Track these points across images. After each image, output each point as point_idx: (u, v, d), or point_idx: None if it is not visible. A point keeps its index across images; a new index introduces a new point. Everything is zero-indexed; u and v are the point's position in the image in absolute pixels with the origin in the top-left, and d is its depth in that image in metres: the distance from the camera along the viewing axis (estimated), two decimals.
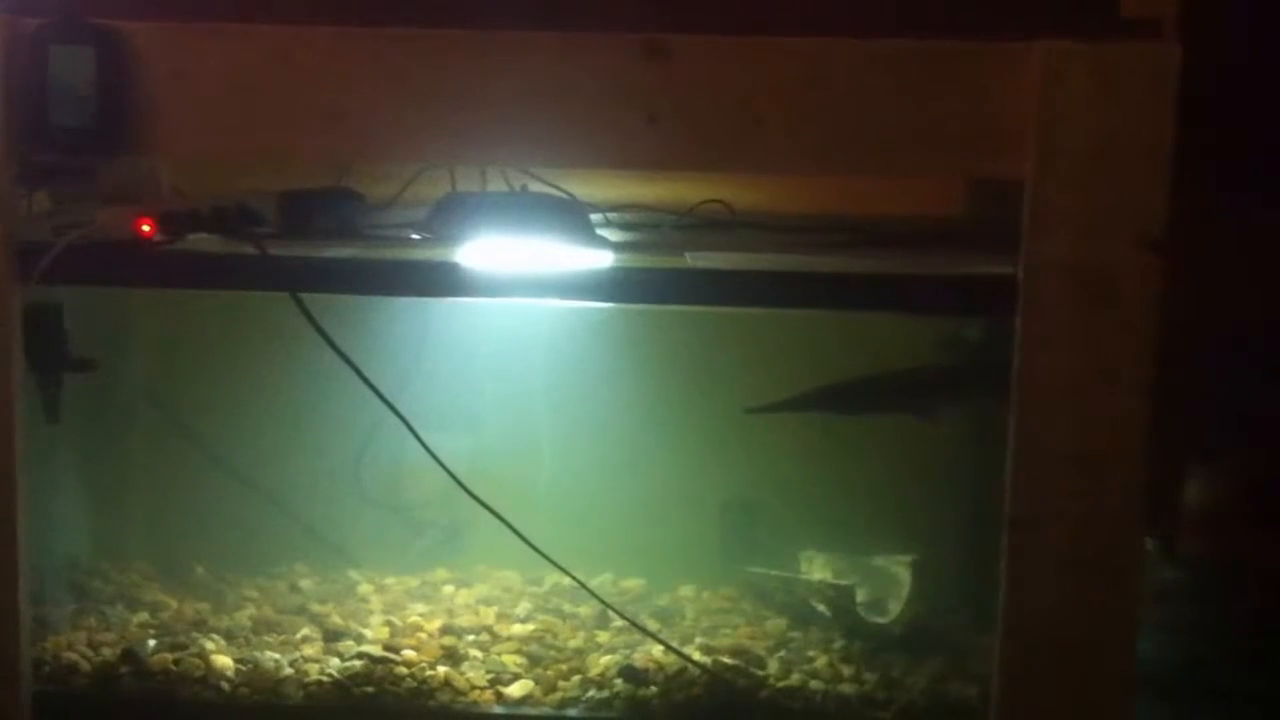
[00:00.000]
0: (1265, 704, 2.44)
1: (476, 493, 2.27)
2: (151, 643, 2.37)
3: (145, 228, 2.13)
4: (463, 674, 2.32)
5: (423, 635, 2.43)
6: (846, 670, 2.35)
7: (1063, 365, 2.04)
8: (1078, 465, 2.06)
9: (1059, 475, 2.06)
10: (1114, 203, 2.01)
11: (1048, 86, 2.00)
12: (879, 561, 2.56)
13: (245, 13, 2.07)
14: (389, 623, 2.48)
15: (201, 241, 2.19)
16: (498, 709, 2.29)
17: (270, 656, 2.34)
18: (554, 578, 2.64)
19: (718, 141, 2.08)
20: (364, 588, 2.69)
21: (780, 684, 2.30)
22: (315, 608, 2.57)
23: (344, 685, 2.28)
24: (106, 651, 2.35)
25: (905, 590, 2.45)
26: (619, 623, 2.48)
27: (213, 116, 2.08)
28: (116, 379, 2.66)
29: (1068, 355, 2.04)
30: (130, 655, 2.32)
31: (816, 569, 2.62)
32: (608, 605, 2.44)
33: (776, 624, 2.54)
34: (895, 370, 2.45)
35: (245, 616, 2.52)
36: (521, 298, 2.23)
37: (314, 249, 2.21)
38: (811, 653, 2.41)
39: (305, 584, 2.70)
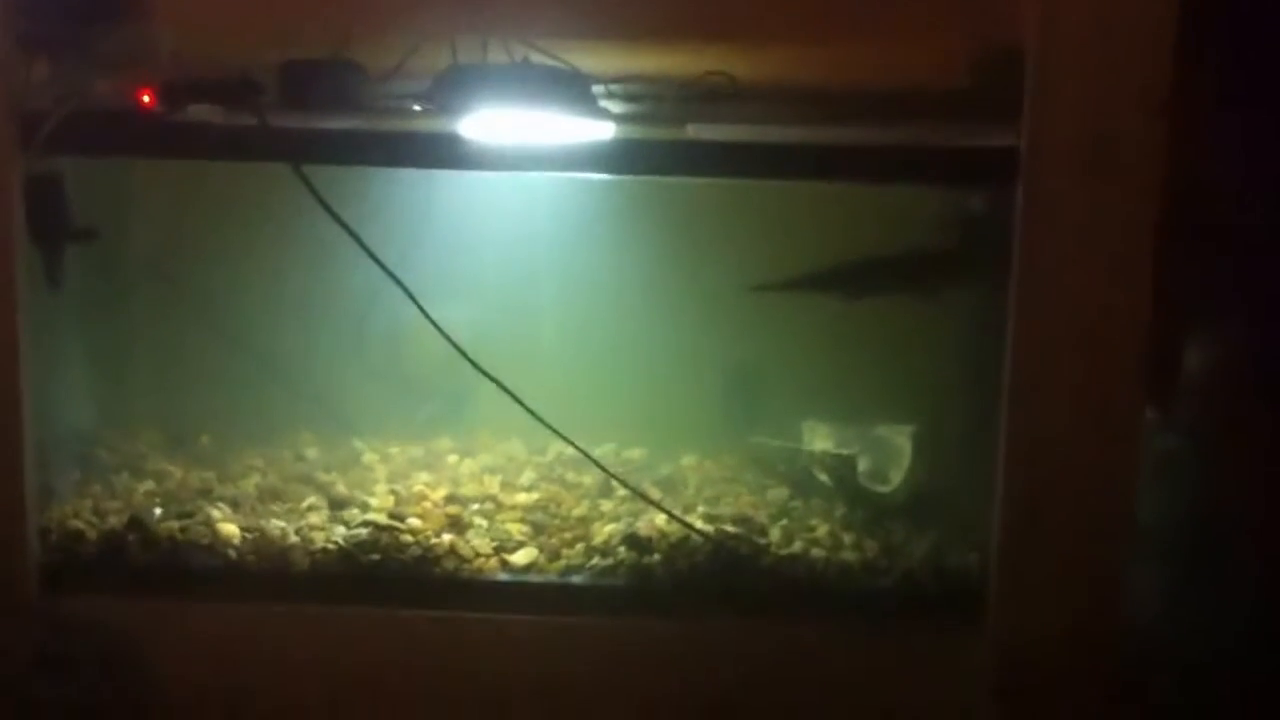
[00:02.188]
0: (1264, 570, 2.45)
1: (480, 362, 2.28)
2: (158, 511, 2.39)
3: (145, 98, 2.12)
4: (468, 542, 2.34)
5: (427, 504, 2.44)
6: (848, 538, 2.37)
7: (1064, 234, 2.05)
8: (1078, 334, 2.07)
9: (1059, 344, 2.08)
10: (1117, 69, 2.01)
11: None
12: (880, 431, 2.56)
13: None
14: (394, 491, 2.49)
15: (202, 111, 2.18)
16: (502, 576, 2.32)
17: (276, 525, 2.36)
18: (557, 447, 2.66)
19: (718, 8, 2.07)
20: (368, 456, 2.70)
21: (782, 552, 2.31)
22: (320, 476, 2.58)
23: (350, 553, 2.30)
24: (113, 520, 2.35)
25: (906, 459, 2.46)
26: (622, 492, 2.49)
27: None
28: (120, 248, 2.67)
29: (1069, 224, 2.05)
30: (136, 523, 2.33)
31: (818, 439, 2.62)
32: (611, 474, 2.46)
33: (778, 493, 2.56)
34: (898, 252, 2.45)
35: (251, 485, 2.53)
36: (523, 170, 2.23)
37: (315, 120, 2.21)
38: (813, 521, 2.43)
39: (310, 453, 2.71)
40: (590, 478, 2.59)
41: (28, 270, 2.18)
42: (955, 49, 2.34)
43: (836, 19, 2.08)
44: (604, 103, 2.38)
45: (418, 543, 2.32)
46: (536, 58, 2.36)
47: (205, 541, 2.33)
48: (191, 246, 2.73)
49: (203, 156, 2.22)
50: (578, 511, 2.48)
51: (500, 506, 2.48)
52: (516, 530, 2.40)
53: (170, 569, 2.31)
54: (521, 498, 2.51)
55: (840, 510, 2.46)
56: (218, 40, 2.27)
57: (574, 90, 2.27)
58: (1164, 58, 2.00)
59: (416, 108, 2.32)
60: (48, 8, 2.06)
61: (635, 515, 2.41)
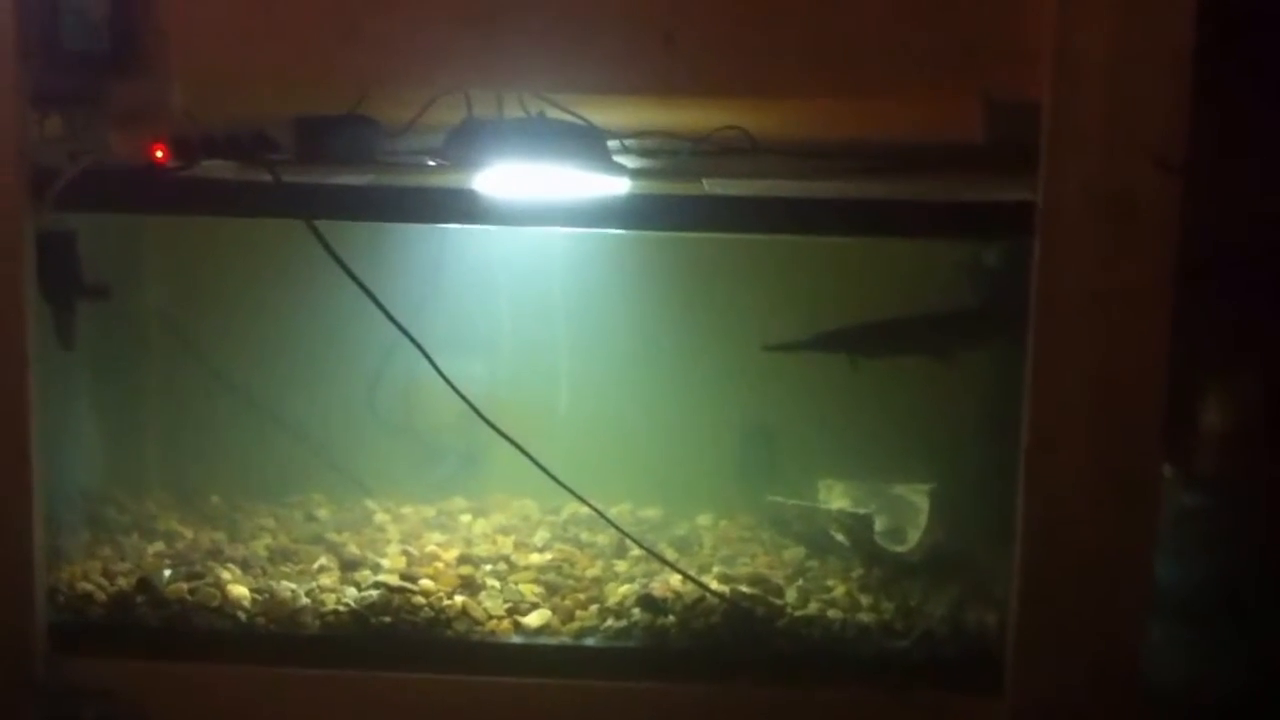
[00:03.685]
0: None
1: (494, 421, 2.26)
2: (167, 572, 2.37)
3: (159, 153, 2.12)
4: (480, 603, 2.32)
5: (440, 564, 2.42)
6: (865, 599, 2.35)
7: (1081, 287, 2.04)
8: (1096, 388, 2.06)
9: (1077, 399, 2.07)
10: (1133, 122, 2.01)
11: (1065, 6, 1.99)
12: (897, 490, 2.56)
13: None
14: (406, 552, 2.47)
15: (216, 167, 2.18)
16: (515, 638, 2.29)
17: (287, 586, 2.34)
18: (572, 506, 2.64)
19: (734, 64, 2.08)
20: (380, 517, 2.69)
21: (798, 613, 2.29)
22: (332, 537, 2.57)
23: (361, 615, 2.28)
24: (122, 581, 2.34)
25: (923, 518, 2.45)
26: (637, 552, 2.47)
27: (227, 40, 2.09)
28: (131, 306, 2.66)
29: (1086, 277, 2.04)
30: (145, 584, 2.32)
31: (835, 497, 2.62)
32: (626, 534, 2.43)
33: (795, 553, 2.53)
34: (913, 313, 2.45)
35: (261, 546, 2.52)
36: (538, 225, 2.22)
37: (329, 175, 2.21)
38: (830, 581, 2.41)
39: (321, 513, 2.69)
40: (605, 537, 2.56)
41: (39, 328, 2.17)
42: (971, 103, 2.35)
43: (852, 73, 2.08)
44: (619, 157, 2.38)
45: (430, 604, 2.30)
46: (551, 112, 2.36)
47: (215, 603, 2.31)
48: (203, 303, 2.73)
49: (216, 212, 2.22)
50: (592, 572, 2.45)
51: (513, 567, 2.46)
52: (530, 591, 2.38)
53: (179, 631, 2.30)
54: (535, 558, 2.49)
55: (857, 570, 2.43)
56: (232, 95, 2.28)
57: (589, 145, 2.28)
58: (1179, 112, 2.00)
59: (431, 162, 2.32)
60: (61, 64, 2.05)
61: (650, 576, 2.39)
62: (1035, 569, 2.11)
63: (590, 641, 2.29)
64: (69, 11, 2.03)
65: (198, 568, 2.39)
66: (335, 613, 2.29)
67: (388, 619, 2.28)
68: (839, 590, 2.37)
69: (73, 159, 2.11)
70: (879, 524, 2.47)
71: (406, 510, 2.72)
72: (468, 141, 2.27)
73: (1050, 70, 2.01)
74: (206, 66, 2.10)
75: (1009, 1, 2.03)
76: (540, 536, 2.59)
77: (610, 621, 2.31)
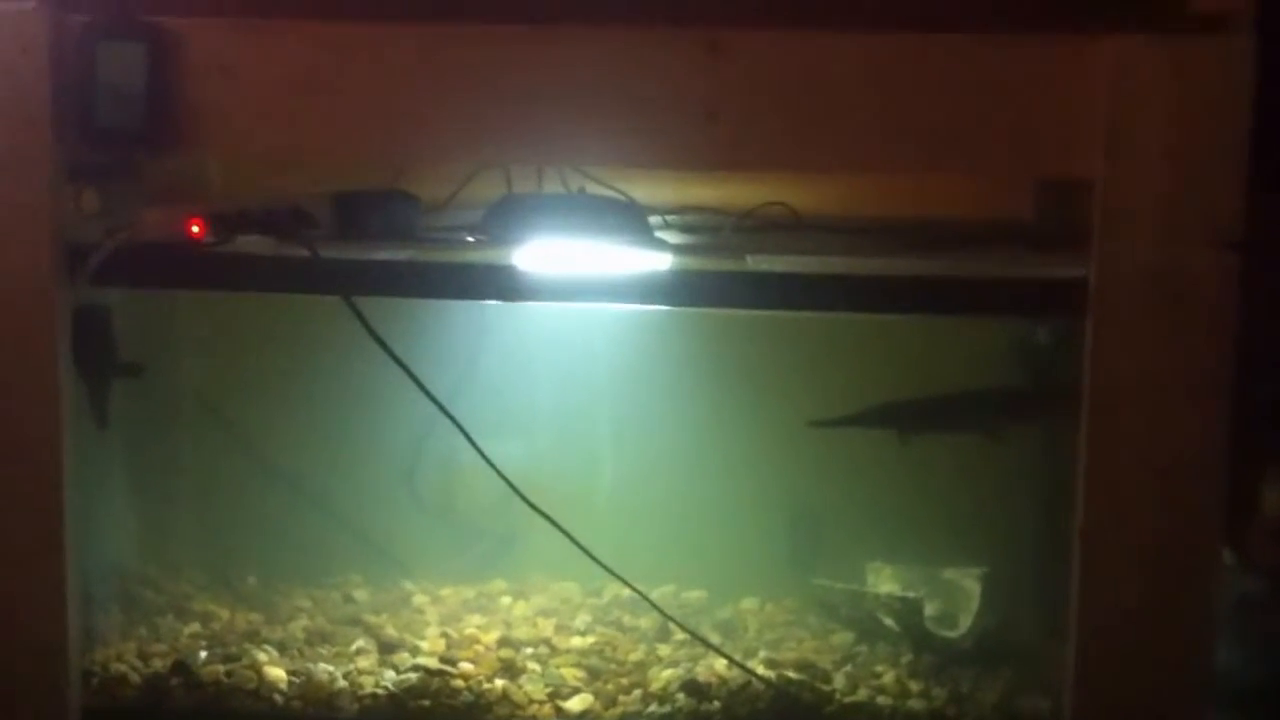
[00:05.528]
0: None
1: (534, 501, 2.25)
2: (203, 654, 2.36)
3: (195, 229, 2.12)
4: (521, 687, 2.30)
5: (479, 647, 2.40)
6: (915, 685, 2.31)
7: (1136, 370, 2.01)
8: (1152, 473, 2.03)
9: (1132, 484, 2.03)
10: (1188, 202, 1.98)
11: (1117, 83, 1.98)
12: (948, 574, 2.52)
13: (297, 9, 2.06)
14: (445, 634, 2.45)
15: (252, 243, 2.18)
16: None
17: (324, 668, 2.32)
18: (614, 589, 2.62)
19: (780, 140, 2.06)
20: (419, 599, 2.67)
21: (847, 699, 2.26)
22: (369, 619, 2.55)
23: (399, 698, 2.26)
24: (157, 663, 2.33)
25: (975, 603, 2.42)
26: (681, 636, 2.44)
27: (263, 115, 2.08)
28: (167, 384, 2.66)
29: (1141, 359, 2.01)
30: (181, 667, 2.31)
31: (884, 581, 2.58)
32: (669, 618, 2.41)
33: (843, 637, 2.50)
34: (963, 390, 2.42)
35: (298, 627, 2.50)
36: (579, 301, 2.21)
37: (367, 251, 2.21)
38: (879, 667, 2.37)
39: (359, 595, 2.68)
40: (647, 621, 2.53)
41: (73, 405, 2.16)
42: (1021, 179, 2.33)
43: (899, 149, 2.05)
44: (661, 233, 2.36)
45: (469, 688, 2.28)
46: (592, 188, 2.35)
47: (251, 686, 2.29)
48: (239, 381, 2.73)
49: (253, 289, 2.21)
50: (634, 656, 2.43)
51: (555, 651, 2.44)
52: (571, 675, 2.35)
53: (215, 714, 2.28)
54: (576, 641, 2.47)
55: (907, 656, 2.40)
56: (270, 170, 2.27)
57: (630, 220, 2.27)
58: (1236, 189, 1.97)
59: (470, 238, 2.31)
60: (96, 140, 2.05)
61: (694, 660, 2.37)
62: (1090, 658, 2.07)
63: None
64: (104, 88, 2.02)
65: (234, 649, 2.38)
66: (373, 696, 2.27)
67: (426, 702, 2.26)
68: (888, 676, 2.33)
69: (108, 235, 2.11)
70: (929, 609, 2.43)
71: (445, 592, 2.70)
72: (507, 217, 2.26)
73: (1103, 149, 1.98)
74: (243, 145, 2.10)
75: (1060, 78, 2.00)
76: (582, 620, 2.56)
77: (654, 707, 2.28)
